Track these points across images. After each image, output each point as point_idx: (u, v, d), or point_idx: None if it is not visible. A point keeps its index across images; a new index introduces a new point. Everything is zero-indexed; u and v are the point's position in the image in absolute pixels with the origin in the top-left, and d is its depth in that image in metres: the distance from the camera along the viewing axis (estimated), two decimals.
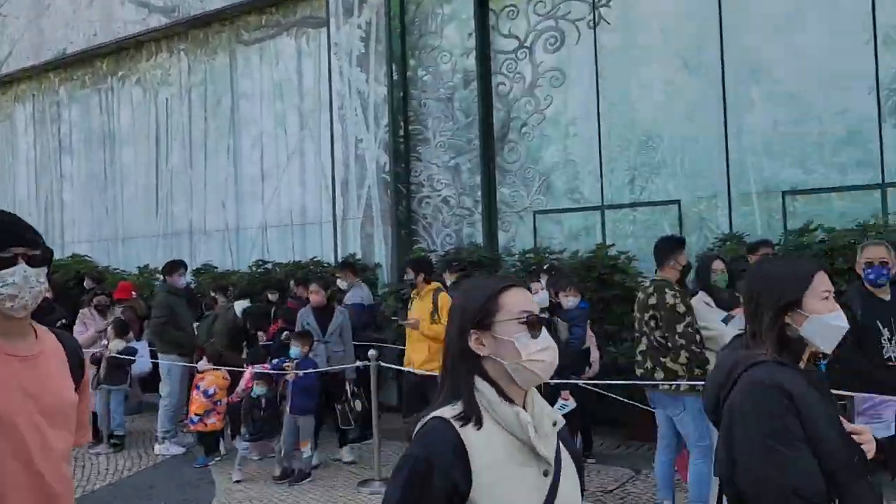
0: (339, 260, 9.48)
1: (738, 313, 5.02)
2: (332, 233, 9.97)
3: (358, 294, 7.90)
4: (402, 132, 9.27)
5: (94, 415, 7.74)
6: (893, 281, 4.28)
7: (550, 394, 5.19)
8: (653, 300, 4.81)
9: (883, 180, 6.68)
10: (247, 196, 10.97)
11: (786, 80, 7.12)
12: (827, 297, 1.86)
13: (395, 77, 9.22)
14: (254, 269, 10.01)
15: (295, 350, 6.36)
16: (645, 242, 7.69)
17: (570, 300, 5.88)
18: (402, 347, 6.85)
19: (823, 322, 1.81)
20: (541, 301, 5.27)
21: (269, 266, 10.01)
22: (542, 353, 1.72)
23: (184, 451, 7.32)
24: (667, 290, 4.79)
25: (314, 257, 9.74)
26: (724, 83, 7.42)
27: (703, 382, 4.70)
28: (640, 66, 7.91)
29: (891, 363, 4.29)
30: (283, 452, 6.35)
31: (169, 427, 7.34)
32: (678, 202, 7.67)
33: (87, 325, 8.04)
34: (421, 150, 9.29)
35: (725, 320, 4.99)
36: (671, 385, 4.73)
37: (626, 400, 6.15)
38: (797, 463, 1.59)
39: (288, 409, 6.32)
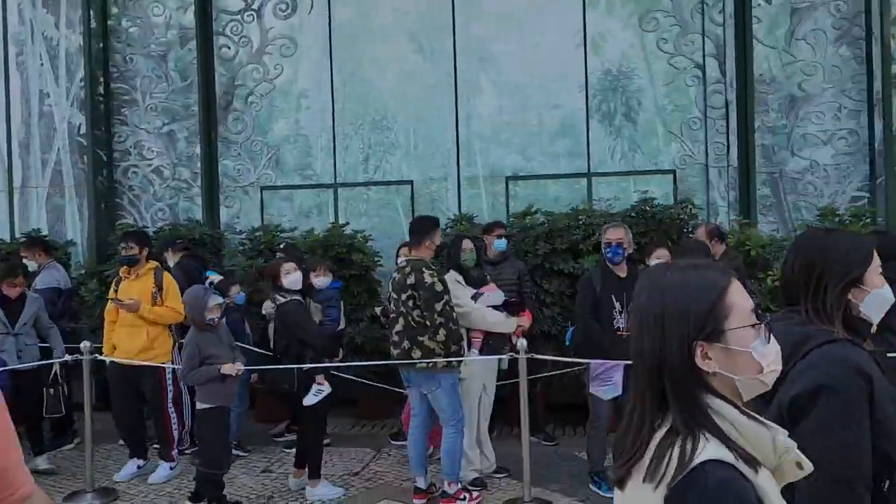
0: (18, 236, 7.92)
1: (488, 290, 5.19)
2: (5, 204, 8.28)
3: (53, 276, 6.61)
4: (101, 90, 8.00)
5: None
6: (629, 259, 4.75)
7: (304, 378, 4.86)
8: (411, 279, 4.73)
9: (589, 170, 7.46)
10: None
11: (511, 72, 7.58)
12: (880, 272, 1.84)
13: (93, 25, 7.88)
14: None
15: None
16: (378, 221, 7.67)
17: (321, 280, 5.55)
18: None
19: (882, 296, 1.80)
20: (294, 282, 4.88)
21: None
22: (776, 361, 1.37)
23: None
24: (424, 269, 4.73)
25: None
26: (456, 69, 7.66)
27: (458, 359, 4.80)
28: (375, 44, 7.81)
29: (620, 332, 4.75)
30: None
31: None
32: (411, 182, 7.75)
33: None
34: (127, 113, 8.12)
35: (475, 297, 5.11)
36: (428, 363, 4.70)
37: (363, 381, 6.06)
38: (858, 446, 1.54)
39: None
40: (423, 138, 7.76)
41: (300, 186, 7.96)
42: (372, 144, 7.84)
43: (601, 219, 6.40)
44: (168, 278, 5.58)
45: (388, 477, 5.52)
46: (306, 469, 5.10)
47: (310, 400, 4.85)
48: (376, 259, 7.16)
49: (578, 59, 7.46)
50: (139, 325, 5.41)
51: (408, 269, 4.79)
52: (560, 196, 7.45)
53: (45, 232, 7.90)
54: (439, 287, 4.68)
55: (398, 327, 4.81)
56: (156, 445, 5.69)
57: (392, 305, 4.86)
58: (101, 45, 7.98)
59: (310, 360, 4.83)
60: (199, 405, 4.70)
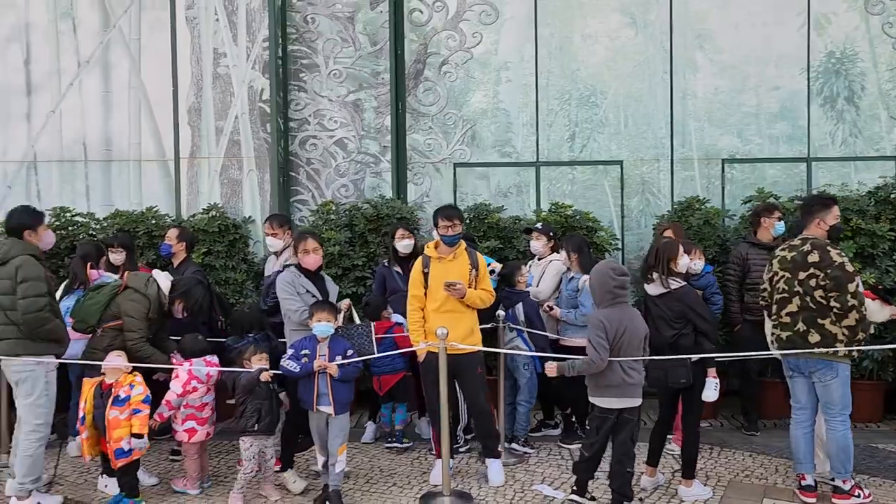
0: (197, 211, 7.12)
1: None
2: (161, 175, 7.43)
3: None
4: (279, 52, 7.26)
5: None
6: None
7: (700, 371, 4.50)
8: (813, 257, 4.42)
9: (809, 154, 7.29)
10: None
11: (729, 50, 7.31)
12: None
13: None
14: (56, 219, 6.92)
15: (324, 326, 4.47)
16: (584, 203, 7.27)
17: (697, 263, 5.20)
18: None
19: None
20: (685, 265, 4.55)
21: (81, 217, 7.03)
22: None
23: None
24: (829, 248, 4.43)
25: (153, 207, 7.11)
26: (672, 44, 7.34)
27: (859, 348, 4.52)
28: (585, 17, 7.39)
29: None
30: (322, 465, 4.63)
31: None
32: (621, 163, 7.39)
33: None
34: (306, 79, 7.40)
35: None
36: (828, 351, 4.40)
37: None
38: None
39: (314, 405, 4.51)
40: (633, 116, 7.40)
41: (499, 164, 7.46)
42: (578, 121, 7.42)
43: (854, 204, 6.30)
44: (482, 259, 5.05)
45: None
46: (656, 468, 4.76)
47: (710, 395, 4.48)
48: (614, 240, 6.83)
49: (800, 40, 7.27)
50: (461, 310, 4.87)
51: (807, 248, 4.48)
52: (778, 180, 7.26)
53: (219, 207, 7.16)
54: (850, 267, 4.39)
55: (790, 308, 4.49)
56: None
57: (783, 284, 4.53)
58: (280, 2, 7.23)
59: (707, 350, 4.45)
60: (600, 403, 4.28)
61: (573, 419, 5.97)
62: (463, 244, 5.05)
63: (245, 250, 7.06)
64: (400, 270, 6.14)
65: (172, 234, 6.11)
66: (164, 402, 4.81)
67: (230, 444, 5.68)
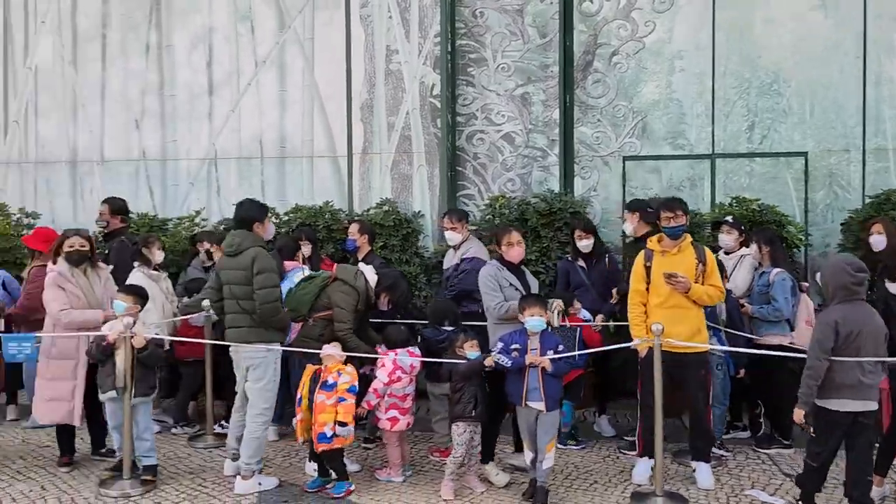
0: (370, 206, 7.30)
1: None
2: (332, 171, 7.65)
3: (477, 249, 5.96)
4: (449, 47, 7.31)
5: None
6: None
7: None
8: None
9: None
10: (180, 115, 8.01)
11: None
12: None
13: None
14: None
15: (537, 321, 4.45)
16: (764, 197, 6.89)
17: None
18: None
19: None
20: None
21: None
22: None
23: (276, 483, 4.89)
24: None
25: (329, 202, 7.34)
26: (866, 28, 6.88)
27: None
28: (768, 1, 7.03)
29: None
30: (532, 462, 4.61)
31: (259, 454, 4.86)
32: (805, 154, 6.99)
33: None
34: (474, 73, 7.43)
35: None
36: None
37: None
38: None
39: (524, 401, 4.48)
40: (820, 104, 6.98)
41: (671, 157, 7.22)
42: (758, 111, 7.08)
43: None
44: (710, 254, 4.86)
45: None
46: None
47: None
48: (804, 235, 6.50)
49: None
50: (686, 306, 4.70)
51: None
52: None
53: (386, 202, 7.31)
54: None
55: None
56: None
57: None
58: None
59: None
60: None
61: (762, 421, 5.72)
62: (688, 237, 4.88)
63: (417, 244, 7.16)
64: (584, 265, 6.07)
65: (354, 228, 6.26)
66: (370, 390, 4.91)
67: (414, 434, 5.74)
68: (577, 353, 4.84)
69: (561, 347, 4.55)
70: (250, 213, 4.84)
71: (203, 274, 6.64)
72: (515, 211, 6.92)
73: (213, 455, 5.54)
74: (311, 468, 5.09)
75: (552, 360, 4.46)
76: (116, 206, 6.73)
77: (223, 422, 6.00)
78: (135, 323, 4.78)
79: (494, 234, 5.27)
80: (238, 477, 4.79)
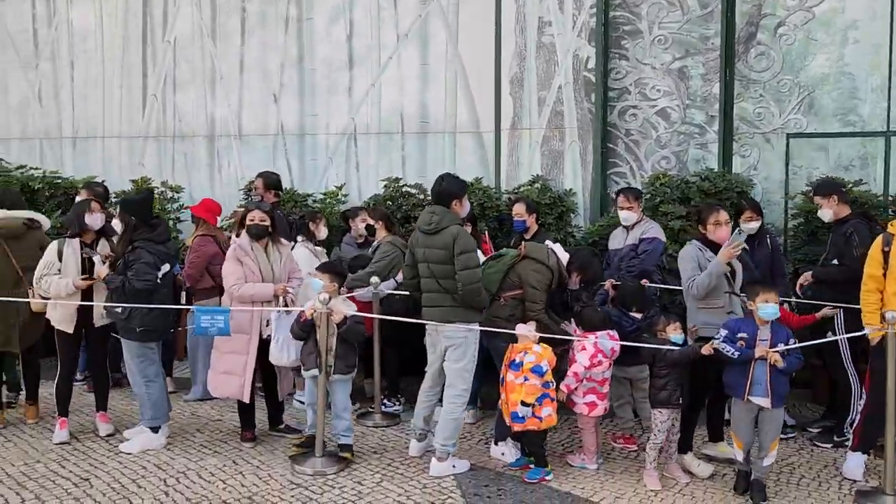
0: (501, 183, 7.13)
1: None
2: (475, 146, 7.47)
3: (656, 230, 5.73)
4: (603, 19, 7.02)
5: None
6: None
7: None
8: None
9: None
10: (319, 89, 7.92)
11: None
12: None
13: None
14: (388, 189, 7.19)
15: (772, 309, 4.21)
16: None
17: None
18: None
19: None
20: None
21: (409, 188, 7.23)
22: None
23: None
24: None
25: (479, 178, 7.18)
26: None
27: None
28: None
29: None
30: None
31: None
32: None
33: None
34: (628, 46, 7.13)
35: None
36: None
37: None
38: None
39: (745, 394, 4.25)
40: None
41: (841, 134, 6.82)
42: None
43: None
44: None
45: None
46: None
47: None
48: None
49: None
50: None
51: None
52: None
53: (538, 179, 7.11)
54: None
55: None
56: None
57: None
58: None
59: None
60: None
61: None
62: None
63: (570, 223, 6.96)
64: (746, 247, 5.76)
65: (521, 208, 6.07)
66: (570, 373, 4.75)
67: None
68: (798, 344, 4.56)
69: (792, 341, 4.27)
70: (451, 188, 4.70)
71: (357, 250, 6.58)
72: (676, 190, 6.65)
73: (388, 434, 5.48)
74: (498, 451, 4.97)
75: (783, 355, 4.21)
76: (271, 181, 6.68)
77: (385, 400, 5.95)
78: (330, 299, 4.72)
79: (698, 212, 5.02)
80: (433, 459, 4.70)
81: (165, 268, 4.99)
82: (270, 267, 5.11)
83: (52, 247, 5.18)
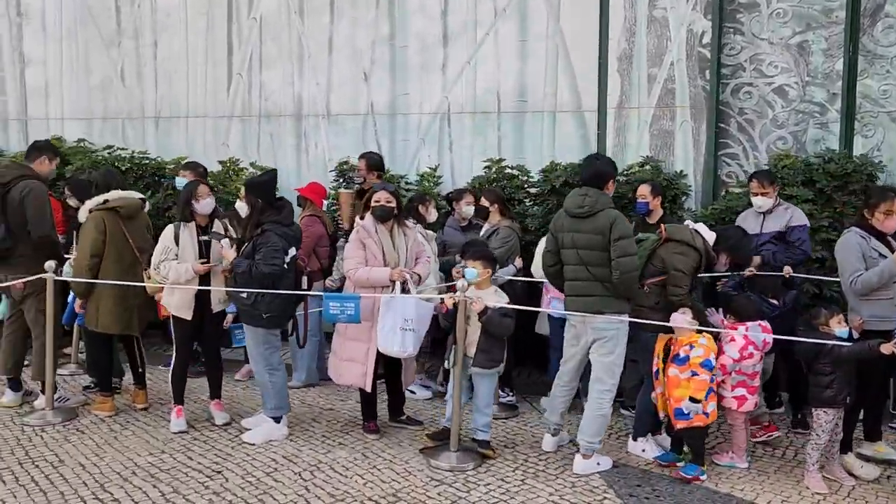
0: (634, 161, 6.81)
1: None
2: (576, 126, 7.16)
3: (800, 215, 5.39)
4: None
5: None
6: None
7: None
8: None
9: None
10: (412, 67, 7.65)
11: None
12: None
13: None
14: (490, 170, 6.92)
15: None
16: None
17: None
18: None
19: None
20: None
21: (511, 169, 6.94)
22: None
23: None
24: None
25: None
26: None
27: None
28: None
29: None
30: None
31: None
32: None
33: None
34: (744, 20, 6.75)
35: None
36: None
37: None
38: None
39: None
40: None
41: None
42: None
43: None
44: None
45: None
46: None
47: None
48: None
49: None
50: None
51: None
52: None
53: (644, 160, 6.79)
54: None
55: None
56: None
57: None
58: None
59: None
60: None
61: None
62: None
63: (683, 207, 6.64)
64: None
65: (646, 189, 5.77)
66: (718, 365, 4.47)
67: None
68: None
69: None
70: (606, 168, 4.43)
71: (461, 234, 6.34)
72: (801, 172, 6.29)
73: (509, 426, 5.25)
74: (638, 448, 4.73)
75: None
76: (374, 162, 6.45)
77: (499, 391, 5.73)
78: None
79: (866, 195, 4.69)
80: (578, 455, 4.47)
81: (292, 251, 4.79)
82: (394, 250, 4.89)
83: (168, 231, 5.01)
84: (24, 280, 5.17)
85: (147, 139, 8.50)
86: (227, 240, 4.87)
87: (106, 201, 5.16)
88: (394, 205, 4.88)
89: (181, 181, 6.56)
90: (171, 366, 5.13)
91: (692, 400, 4.30)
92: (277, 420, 4.94)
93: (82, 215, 5.21)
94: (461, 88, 7.55)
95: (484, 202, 6.06)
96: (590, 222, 4.29)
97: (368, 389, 4.93)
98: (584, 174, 4.50)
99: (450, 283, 5.52)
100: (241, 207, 4.98)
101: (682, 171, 6.82)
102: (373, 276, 4.83)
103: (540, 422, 5.33)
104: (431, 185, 7.25)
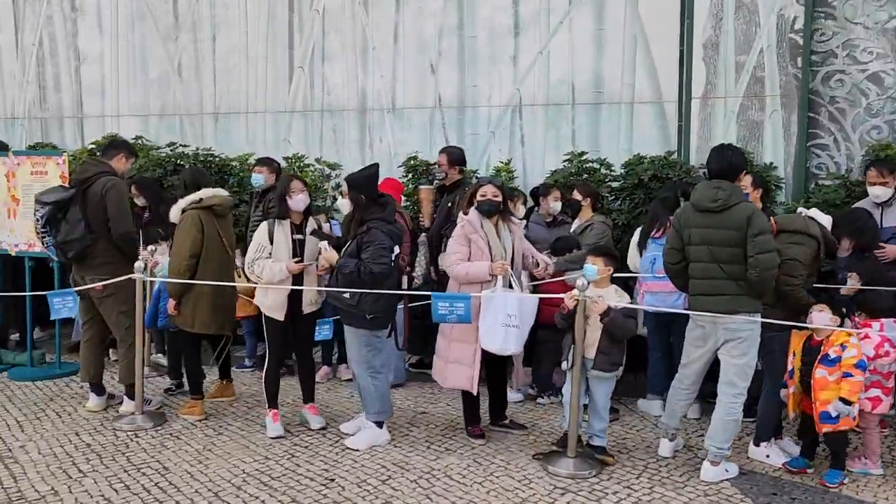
0: (690, 156, 6.57)
1: None
2: (655, 117, 6.92)
3: None
4: None
5: None
6: None
7: None
8: None
9: None
10: (481, 58, 7.43)
11: None
12: None
13: None
14: (571, 163, 6.70)
15: None
16: None
17: None
18: None
19: None
20: None
21: (591, 163, 6.73)
22: None
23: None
24: None
25: (671, 152, 6.66)
26: None
27: None
28: None
29: None
30: None
31: None
32: None
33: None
34: (836, 5, 6.48)
35: None
36: None
37: None
38: None
39: None
40: None
41: None
42: None
43: None
44: None
45: None
46: None
47: None
48: None
49: None
50: None
51: None
52: None
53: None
54: None
55: None
56: None
57: None
58: None
59: None
60: None
61: None
62: None
63: (774, 200, 6.40)
64: None
65: (747, 180, 5.54)
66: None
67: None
68: None
69: None
70: (739, 160, 4.21)
71: (546, 230, 6.14)
72: None
73: (614, 430, 5.02)
74: (761, 453, 4.51)
75: None
76: (455, 156, 6.23)
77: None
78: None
79: None
80: (706, 462, 4.25)
81: (397, 249, 4.60)
82: (501, 245, 4.69)
83: (263, 228, 4.82)
84: (106, 283, 5.01)
85: (205, 135, 8.32)
86: (325, 242, 4.66)
87: (200, 199, 4.99)
88: (500, 199, 4.68)
89: (258, 178, 6.40)
90: (265, 368, 4.95)
91: (843, 401, 4.06)
92: (380, 425, 4.76)
93: (174, 215, 5.04)
94: (533, 79, 7.32)
95: (577, 196, 5.84)
96: (724, 217, 4.07)
97: (475, 392, 4.73)
98: (714, 166, 4.27)
99: (536, 283, 5.33)
100: (344, 204, 4.78)
101: (771, 163, 6.58)
102: (472, 271, 4.63)
103: (646, 425, 5.13)
104: (506, 179, 7.03)
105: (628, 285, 5.46)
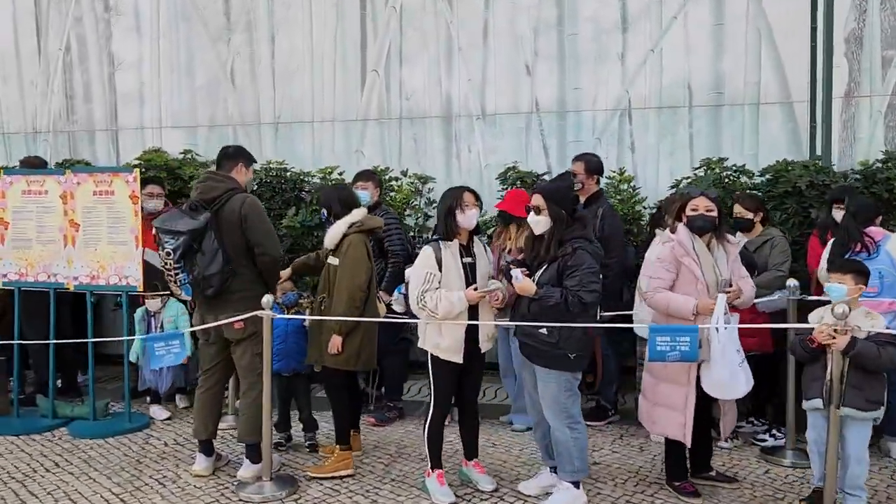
0: (832, 161, 5.98)
1: None
2: (783, 119, 6.31)
3: None
4: None
5: None
6: None
7: None
8: None
9: None
10: (584, 58, 6.73)
11: None
12: None
13: None
14: (710, 171, 6.00)
15: None
16: None
17: None
18: None
19: None
20: None
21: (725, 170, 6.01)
22: None
23: None
24: None
25: (818, 157, 6.03)
26: None
27: None
28: None
29: None
30: None
31: None
32: None
33: None
34: None
35: None
36: None
37: None
38: None
39: None
40: None
41: None
42: None
43: None
44: None
45: None
46: None
47: None
48: None
49: None
50: None
51: None
52: None
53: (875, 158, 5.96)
54: None
55: None
56: None
57: None
58: None
59: None
60: None
61: None
62: None
63: None
64: None
65: None
66: None
67: None
68: None
69: None
70: None
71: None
72: None
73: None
74: None
75: None
76: (593, 165, 5.48)
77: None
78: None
79: None
80: None
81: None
82: (714, 269, 3.97)
83: (428, 253, 4.02)
84: (242, 318, 4.13)
85: (264, 148, 7.42)
86: (515, 270, 3.87)
87: (361, 223, 4.17)
88: (715, 214, 3.97)
89: (364, 195, 5.53)
90: (427, 421, 4.13)
91: None
92: (576, 485, 3.97)
93: (332, 240, 4.20)
94: (644, 80, 6.65)
95: (742, 211, 5.16)
96: None
97: (688, 443, 3.99)
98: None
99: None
100: (540, 222, 4.00)
101: None
102: (673, 305, 3.91)
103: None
104: (628, 193, 6.32)
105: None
